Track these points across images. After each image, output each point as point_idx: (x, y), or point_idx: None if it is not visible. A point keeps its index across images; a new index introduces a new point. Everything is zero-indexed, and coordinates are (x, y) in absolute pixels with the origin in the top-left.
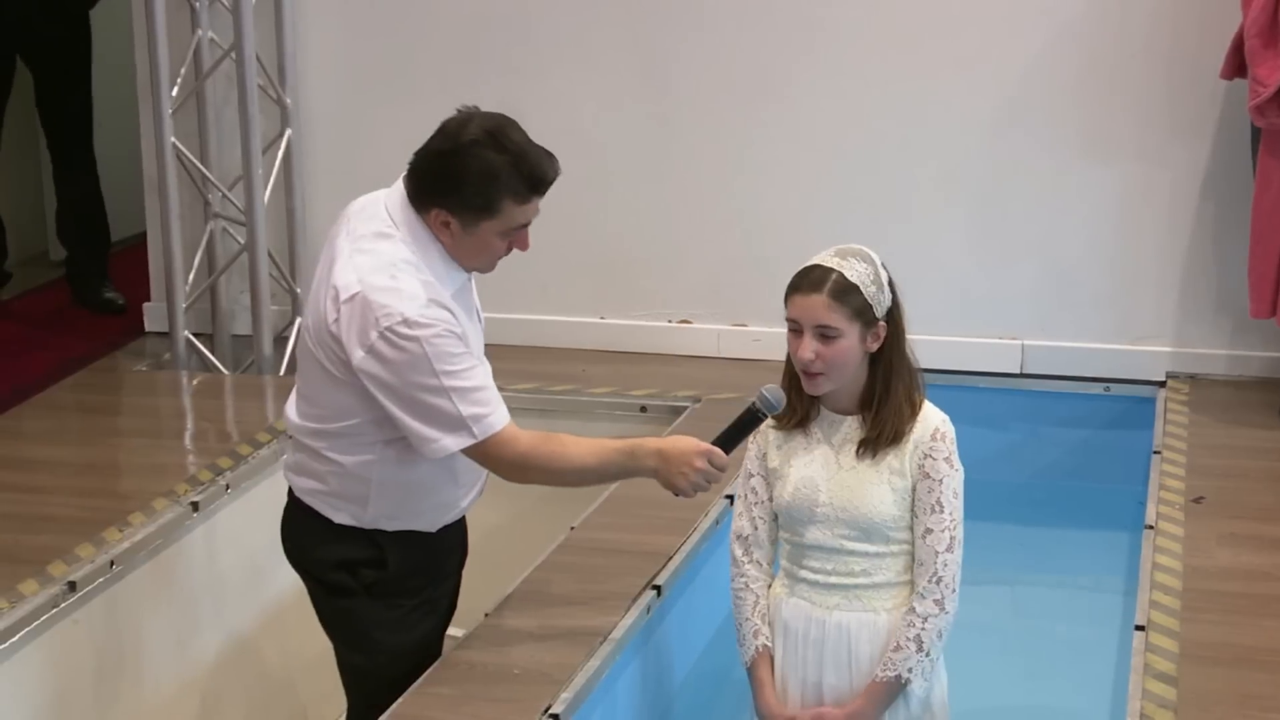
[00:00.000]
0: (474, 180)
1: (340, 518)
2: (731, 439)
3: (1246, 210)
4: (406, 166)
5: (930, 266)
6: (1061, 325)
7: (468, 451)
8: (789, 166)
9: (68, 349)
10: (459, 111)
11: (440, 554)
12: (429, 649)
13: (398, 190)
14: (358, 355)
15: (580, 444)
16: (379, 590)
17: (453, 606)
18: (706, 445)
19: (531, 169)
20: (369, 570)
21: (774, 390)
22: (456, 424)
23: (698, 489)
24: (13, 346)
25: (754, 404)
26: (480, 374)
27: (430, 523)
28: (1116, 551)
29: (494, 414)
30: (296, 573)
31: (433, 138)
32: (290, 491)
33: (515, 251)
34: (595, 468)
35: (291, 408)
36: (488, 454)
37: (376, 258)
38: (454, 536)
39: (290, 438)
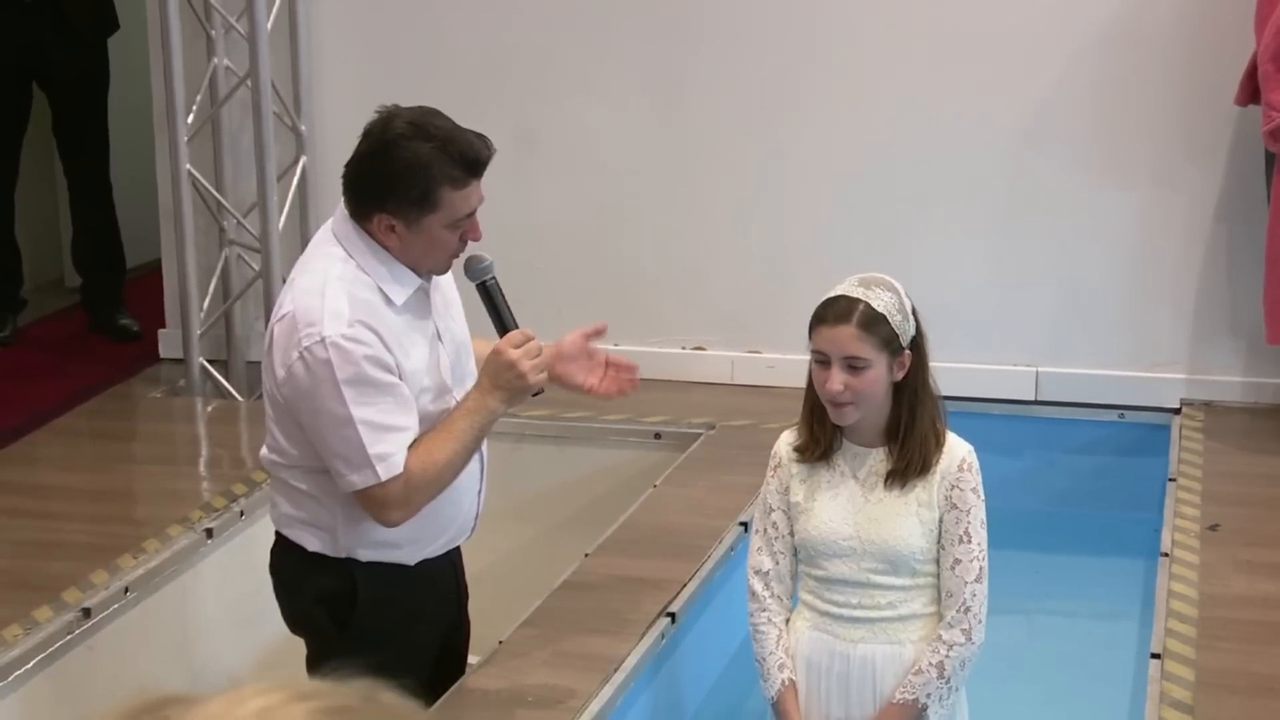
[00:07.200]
0: (406, 175)
1: (314, 545)
2: (502, 319)
3: (1262, 236)
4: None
5: (945, 292)
6: (1076, 351)
7: (365, 492)
8: (804, 192)
9: (82, 375)
10: (378, 113)
11: (420, 592)
12: None
13: (339, 209)
14: (280, 376)
15: (436, 437)
16: (354, 630)
17: (451, 669)
18: (501, 344)
19: (462, 150)
20: (343, 604)
21: (473, 256)
22: (361, 461)
23: (540, 369)
24: (28, 373)
25: (484, 283)
26: (397, 412)
27: (408, 555)
28: (1132, 579)
29: (400, 453)
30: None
31: (359, 144)
32: (276, 534)
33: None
34: (461, 449)
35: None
36: (388, 496)
37: (311, 277)
38: (439, 577)
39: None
